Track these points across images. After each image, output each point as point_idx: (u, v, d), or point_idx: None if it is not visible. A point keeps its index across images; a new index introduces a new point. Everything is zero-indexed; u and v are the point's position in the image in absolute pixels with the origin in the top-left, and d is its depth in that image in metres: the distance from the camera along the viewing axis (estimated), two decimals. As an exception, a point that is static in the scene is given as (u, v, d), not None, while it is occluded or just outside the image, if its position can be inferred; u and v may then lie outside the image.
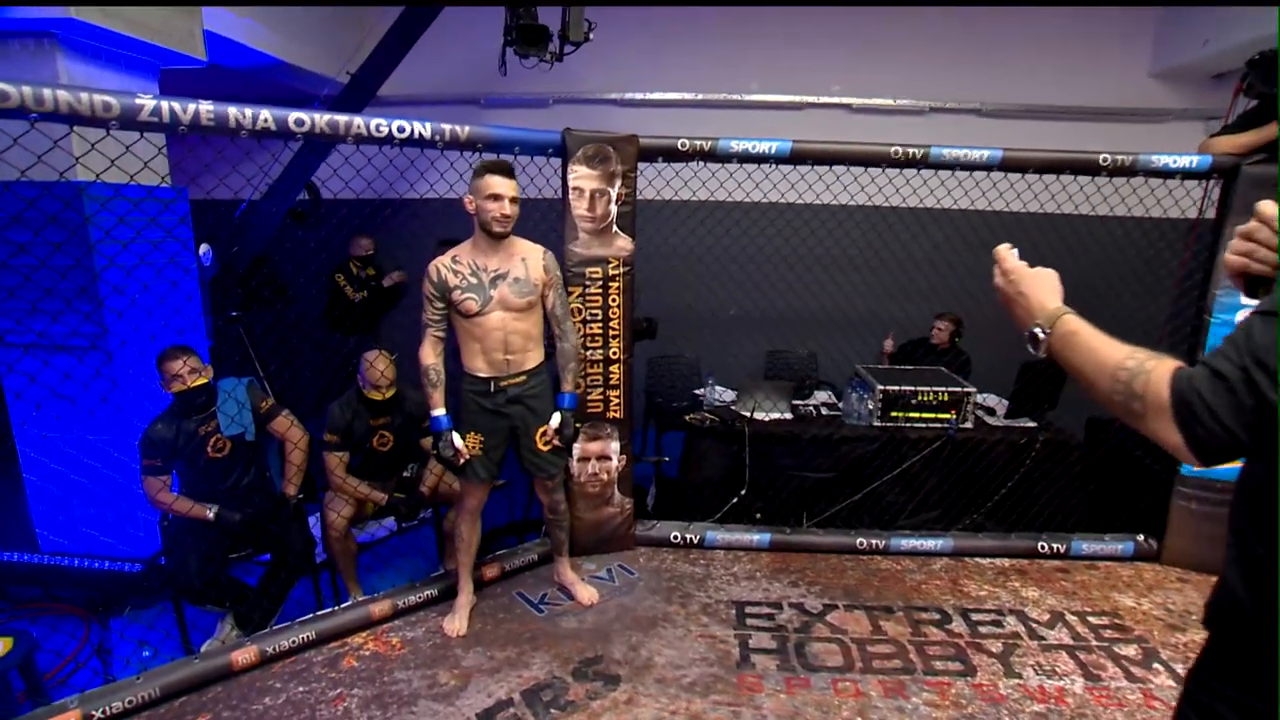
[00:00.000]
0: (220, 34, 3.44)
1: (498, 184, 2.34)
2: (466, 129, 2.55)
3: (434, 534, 3.44)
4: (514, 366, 2.52)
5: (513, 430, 2.60)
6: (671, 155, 2.99)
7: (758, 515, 3.62)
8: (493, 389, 2.51)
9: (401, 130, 2.41)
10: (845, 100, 5.09)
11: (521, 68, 4.07)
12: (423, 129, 2.45)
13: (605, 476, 3.18)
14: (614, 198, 2.95)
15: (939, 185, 3.34)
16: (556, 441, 2.65)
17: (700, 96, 5.10)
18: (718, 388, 3.93)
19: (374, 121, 2.36)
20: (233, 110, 2.10)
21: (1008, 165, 2.99)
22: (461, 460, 2.51)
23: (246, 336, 4.21)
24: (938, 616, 2.86)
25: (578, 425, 2.70)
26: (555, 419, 2.63)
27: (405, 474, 3.27)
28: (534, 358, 2.58)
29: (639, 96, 5.09)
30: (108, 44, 3.10)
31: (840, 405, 3.92)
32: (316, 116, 2.25)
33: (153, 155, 2.39)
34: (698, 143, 2.98)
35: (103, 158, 2.15)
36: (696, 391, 4.04)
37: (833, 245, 4.01)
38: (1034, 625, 2.80)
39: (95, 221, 2.92)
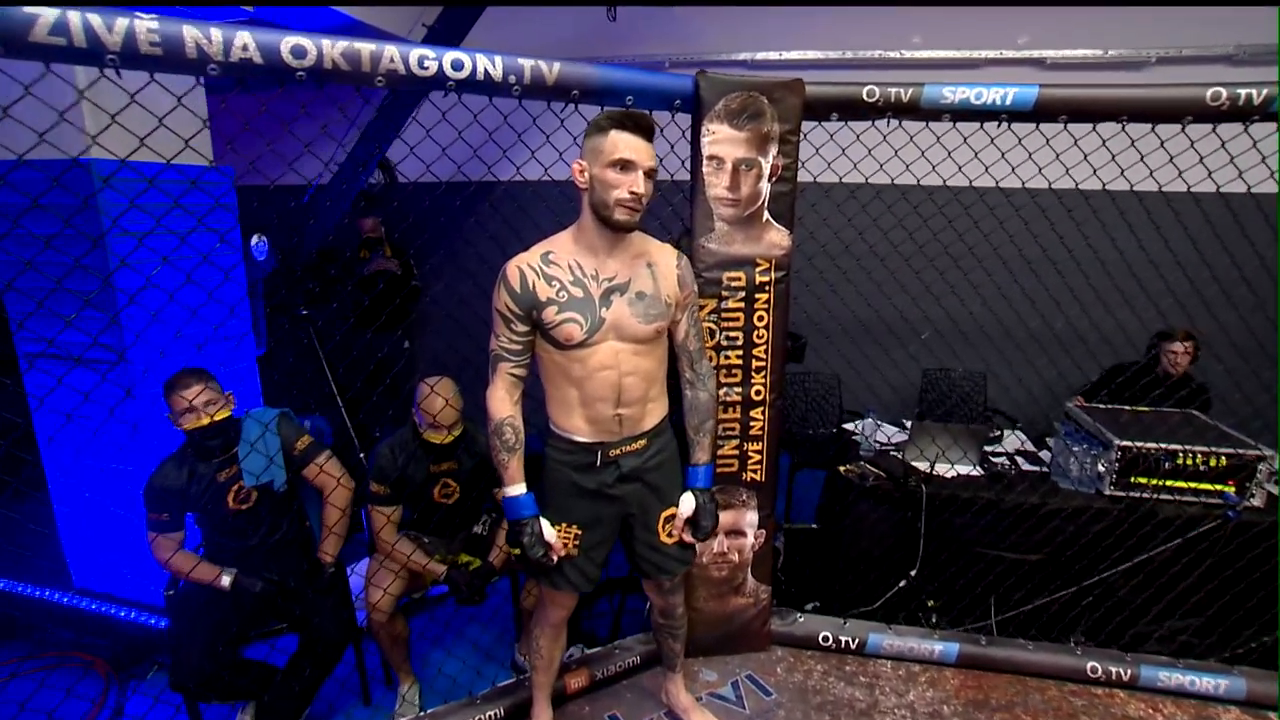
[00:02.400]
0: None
1: (629, 146, 1.40)
2: (556, 67, 1.61)
3: (510, 591, 2.61)
4: (629, 426, 1.59)
5: (625, 518, 1.68)
6: (853, 109, 1.94)
7: (930, 604, 2.57)
8: (598, 461, 1.58)
9: (458, 66, 1.50)
10: (1035, 54, 3.79)
11: (631, 24, 3.11)
12: (490, 66, 1.53)
13: (736, 557, 2.21)
14: (766, 171, 1.94)
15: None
16: (687, 535, 1.71)
17: (848, 55, 3.95)
18: (879, 425, 2.86)
19: (415, 54, 1.45)
20: (190, 30, 1.25)
21: None
22: (554, 560, 1.61)
23: (318, 340, 3.51)
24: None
25: (715, 503, 1.74)
26: (687, 502, 1.69)
27: (476, 530, 2.44)
28: (656, 412, 1.64)
29: (773, 57, 3.99)
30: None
31: (1048, 459, 2.77)
32: (326, 44, 1.37)
33: (170, 109, 1.51)
34: (893, 91, 1.91)
35: (113, 124, 1.38)
36: (849, 427, 2.98)
37: (1002, 241, 2.82)
38: None
39: (100, 206, 2.22)
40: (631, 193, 1.40)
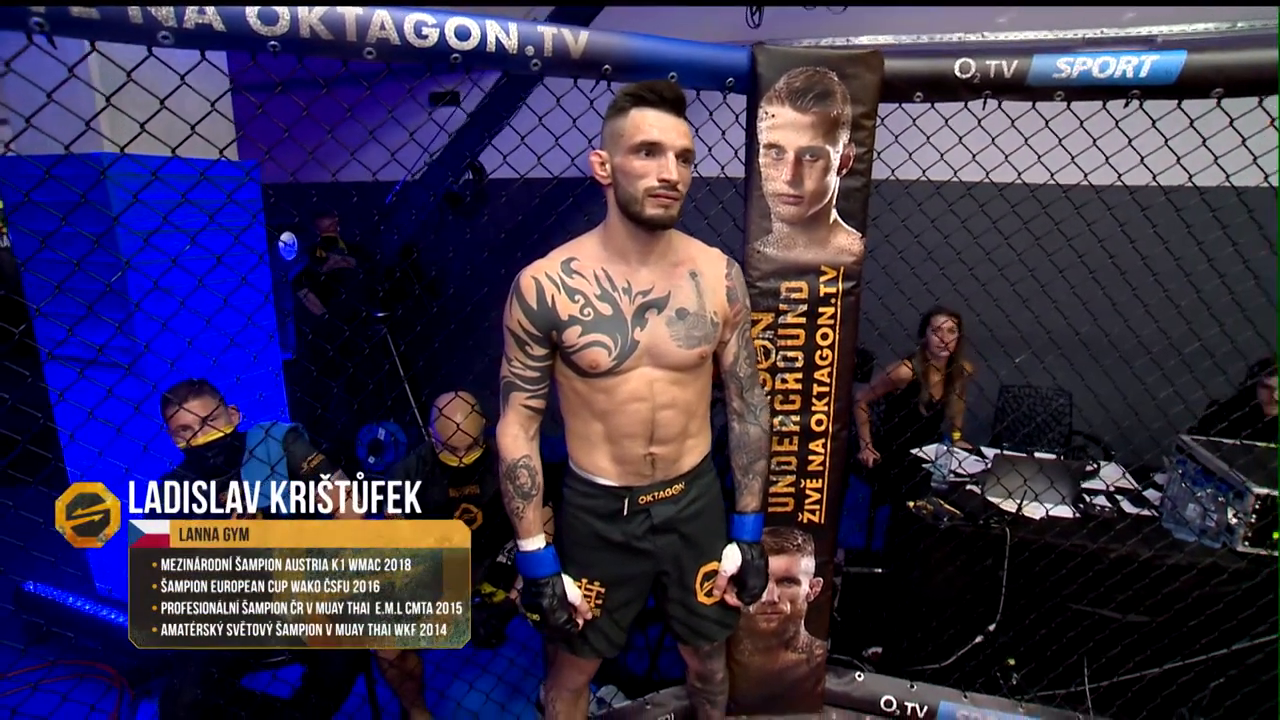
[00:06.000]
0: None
1: (654, 124, 1.11)
2: (582, 36, 1.31)
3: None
4: (663, 468, 1.29)
5: (658, 575, 1.38)
6: (942, 88, 1.57)
7: (1011, 662, 2.18)
8: (626, 509, 1.30)
9: (463, 35, 1.22)
10: (1144, 31, 3.28)
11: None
12: (502, 34, 1.24)
13: (788, 608, 1.88)
14: (835, 163, 1.60)
15: None
16: (731, 597, 1.40)
17: (923, 40, 3.52)
18: (956, 451, 2.46)
19: (411, 20, 1.18)
20: None
21: None
22: (579, 626, 1.34)
23: (393, 343, 3.30)
24: None
25: (765, 559, 1.42)
26: (731, 558, 1.38)
27: (500, 559, 2.19)
28: (696, 450, 1.34)
29: (839, 43, 3.60)
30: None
31: (1155, 499, 2.32)
32: (301, 10, 1.11)
33: (173, 88, 1.29)
34: (993, 65, 1.54)
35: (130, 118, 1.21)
36: (919, 454, 2.59)
37: (1121, 247, 2.33)
38: None
39: (108, 203, 2.05)
40: (662, 180, 1.10)
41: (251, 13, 1.08)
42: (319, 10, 1.12)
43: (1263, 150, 1.51)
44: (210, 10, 1.06)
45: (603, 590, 1.34)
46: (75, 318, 1.98)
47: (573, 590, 1.31)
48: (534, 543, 1.29)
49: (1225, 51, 1.46)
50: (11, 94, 1.90)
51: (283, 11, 1.10)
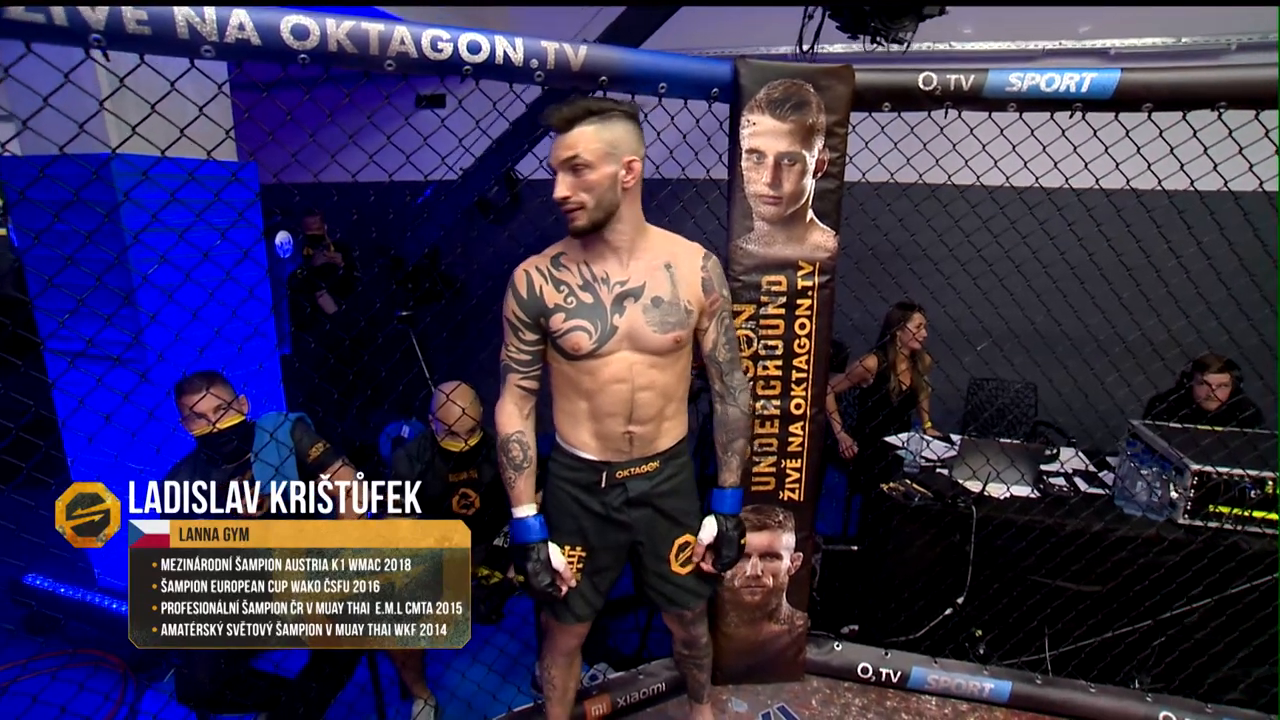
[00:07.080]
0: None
1: (552, 149, 1.27)
2: (582, 51, 1.45)
3: (533, 605, 2.47)
4: (640, 446, 1.42)
5: (633, 545, 1.52)
6: (907, 99, 1.74)
7: (978, 633, 2.36)
8: (604, 482, 1.43)
9: (475, 49, 1.35)
10: (1099, 44, 3.51)
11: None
12: (510, 49, 1.38)
13: (771, 581, 2.03)
14: (811, 166, 1.76)
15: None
16: (707, 565, 1.54)
17: (894, 49, 3.71)
18: (924, 438, 2.64)
19: (428, 35, 1.31)
20: (182, 9, 1.13)
21: None
22: (563, 592, 1.47)
23: (416, 340, 3.40)
24: None
25: (741, 530, 1.55)
26: (708, 528, 1.51)
27: (497, 543, 2.31)
28: (673, 432, 1.47)
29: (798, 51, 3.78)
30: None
31: (1109, 480, 2.52)
32: (330, 24, 1.23)
33: (210, 99, 1.38)
34: (953, 78, 1.71)
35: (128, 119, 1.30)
36: (891, 440, 2.77)
37: (1070, 244, 2.50)
38: None
39: (131, 203, 2.14)
40: (558, 199, 1.26)
41: (285, 29, 1.20)
42: (346, 25, 1.25)
43: (1189, 158, 1.70)
44: (249, 27, 1.18)
45: (584, 555, 1.48)
46: (89, 311, 2.07)
47: (557, 557, 1.44)
48: (524, 510, 1.42)
49: (1154, 71, 1.64)
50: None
51: (313, 27, 1.22)
